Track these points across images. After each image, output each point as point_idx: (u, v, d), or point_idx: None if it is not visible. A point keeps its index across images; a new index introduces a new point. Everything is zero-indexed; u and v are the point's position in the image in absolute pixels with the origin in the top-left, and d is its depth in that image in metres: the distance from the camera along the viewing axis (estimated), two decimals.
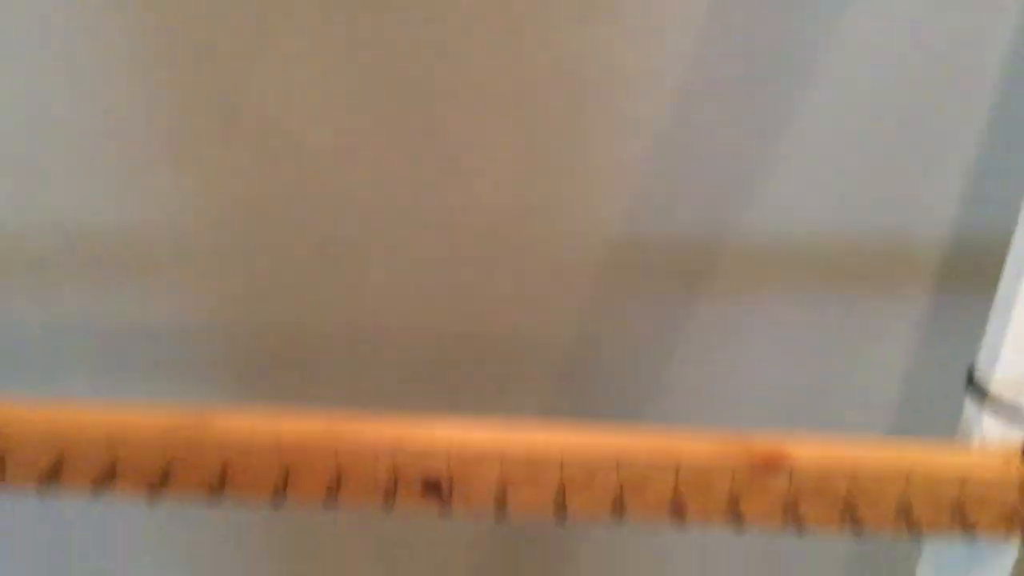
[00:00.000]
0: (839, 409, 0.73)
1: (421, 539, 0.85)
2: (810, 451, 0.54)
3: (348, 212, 0.67)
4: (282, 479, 0.55)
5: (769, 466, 0.54)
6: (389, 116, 0.64)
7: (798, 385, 0.73)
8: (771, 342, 0.71)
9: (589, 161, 0.65)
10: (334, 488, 0.55)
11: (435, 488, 0.55)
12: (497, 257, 0.68)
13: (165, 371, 0.72)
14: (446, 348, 0.72)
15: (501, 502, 0.55)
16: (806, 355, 0.71)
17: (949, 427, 0.58)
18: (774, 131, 0.64)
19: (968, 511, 0.54)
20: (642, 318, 0.70)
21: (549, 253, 0.68)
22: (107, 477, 0.54)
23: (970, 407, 0.56)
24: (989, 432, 0.55)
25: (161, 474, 0.55)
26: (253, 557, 0.86)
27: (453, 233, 0.68)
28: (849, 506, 0.54)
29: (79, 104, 0.63)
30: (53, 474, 0.54)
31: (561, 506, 0.55)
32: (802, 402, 0.73)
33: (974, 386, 0.55)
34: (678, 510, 0.54)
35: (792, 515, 0.54)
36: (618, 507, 0.54)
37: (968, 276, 0.66)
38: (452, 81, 0.62)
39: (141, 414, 0.56)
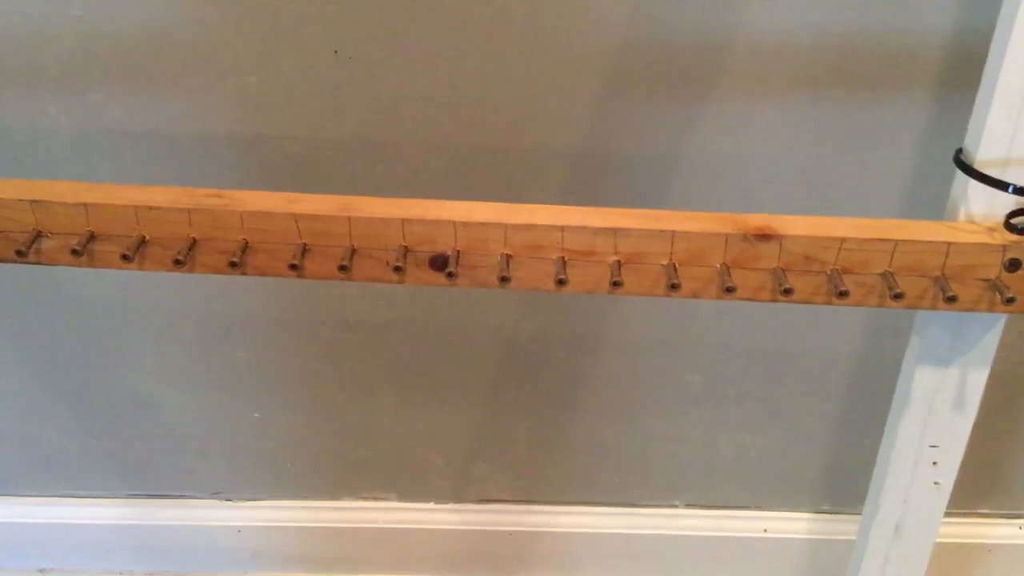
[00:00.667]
0: (843, 205, 0.75)
1: (434, 365, 0.89)
2: (800, 226, 0.57)
3: (363, 21, 0.69)
4: (299, 253, 0.58)
5: (760, 238, 0.56)
6: None
7: (801, 187, 0.75)
8: (775, 144, 0.73)
9: None
10: (347, 261, 0.58)
11: (442, 261, 0.58)
12: (507, 66, 0.70)
13: (188, 175, 0.76)
14: (456, 156, 0.75)
15: (505, 275, 0.58)
16: (811, 153, 0.73)
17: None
18: None
19: (952, 282, 0.56)
20: (646, 124, 0.72)
21: (556, 61, 0.70)
22: (136, 248, 0.58)
23: (957, 186, 0.58)
24: (974, 208, 0.57)
25: (186, 247, 0.58)
26: (274, 383, 0.91)
27: (463, 44, 0.70)
28: (836, 277, 0.57)
29: None
30: (87, 245, 0.58)
31: (562, 278, 0.58)
32: (805, 203, 0.75)
33: (960, 163, 0.57)
34: (672, 281, 0.57)
35: (781, 286, 0.57)
36: (616, 279, 0.57)
37: (965, 73, 0.67)
38: None
39: (167, 193, 0.59)
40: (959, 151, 0.59)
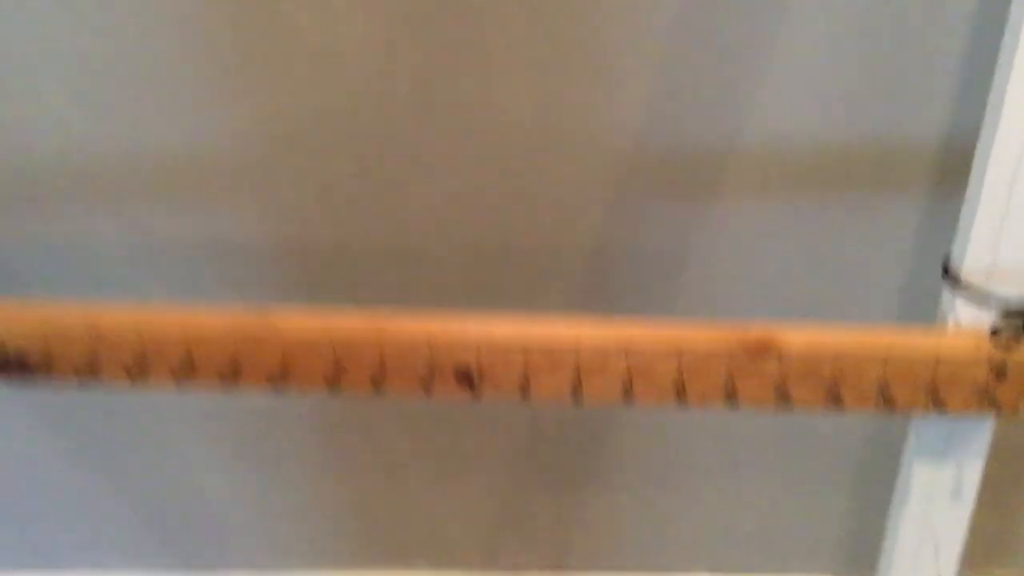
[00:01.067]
0: (840, 304, 0.79)
1: (461, 440, 0.94)
2: (798, 337, 0.61)
3: (387, 136, 0.74)
4: (334, 371, 0.63)
5: (761, 351, 0.61)
6: (423, 46, 0.70)
7: (801, 284, 0.79)
8: (776, 243, 0.77)
9: (603, 78, 0.71)
10: (379, 378, 0.63)
11: (466, 376, 0.63)
12: (522, 173, 0.75)
13: (229, 281, 0.81)
14: (478, 257, 0.80)
15: (525, 388, 0.62)
16: (808, 254, 0.77)
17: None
18: (774, 47, 0.70)
19: (941, 389, 0.60)
20: (655, 224, 0.77)
21: (569, 168, 0.74)
22: (185, 370, 0.63)
23: (946, 295, 0.62)
24: (962, 317, 0.61)
25: (231, 367, 0.63)
26: (307, 455, 0.95)
27: (481, 152, 0.75)
28: (833, 387, 0.61)
29: (150, 43, 0.71)
30: (140, 368, 0.63)
31: (577, 391, 0.62)
32: (804, 299, 0.79)
33: (948, 275, 0.62)
34: (680, 392, 0.61)
35: (782, 396, 0.61)
36: (627, 390, 0.62)
37: (959, 176, 0.71)
38: (480, 12, 0.69)
39: (212, 315, 0.64)
40: (946, 260, 0.63)
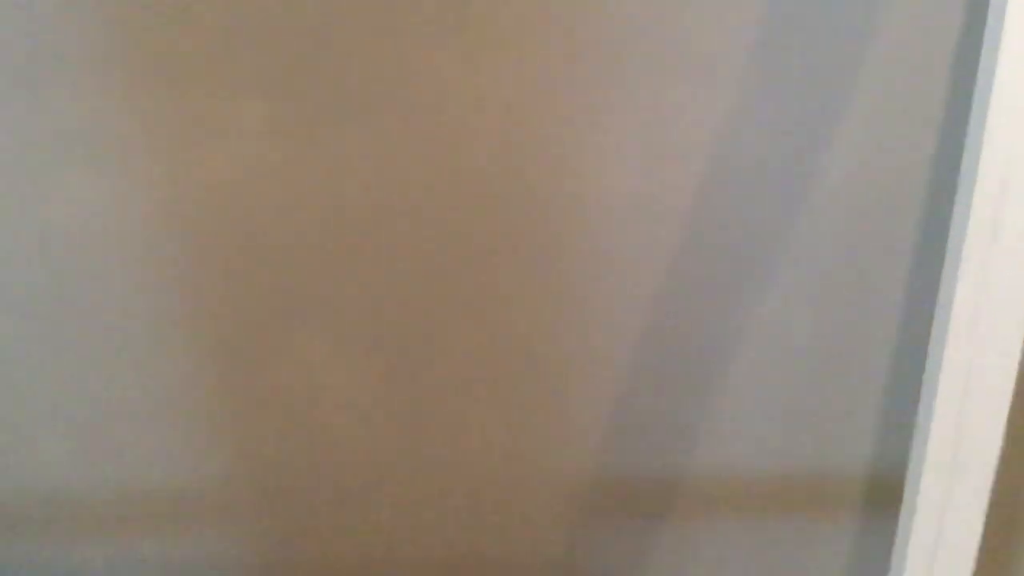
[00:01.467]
0: None
1: None
2: None
3: (360, 469, 0.78)
4: None
5: None
6: (395, 387, 0.76)
7: None
8: (720, 566, 0.83)
9: (562, 413, 0.77)
10: None
11: None
12: (489, 496, 0.80)
13: None
14: (449, 570, 0.84)
15: None
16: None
17: None
18: (714, 384, 0.77)
19: None
20: (610, 541, 0.82)
21: (528, 494, 0.79)
22: None
23: None
24: None
25: None
26: None
27: (452, 479, 0.79)
28: None
29: (138, 386, 0.75)
30: None
31: None
32: None
33: None
34: None
35: None
36: None
37: (892, 501, 0.75)
38: (443, 359, 0.75)
39: None
40: None
